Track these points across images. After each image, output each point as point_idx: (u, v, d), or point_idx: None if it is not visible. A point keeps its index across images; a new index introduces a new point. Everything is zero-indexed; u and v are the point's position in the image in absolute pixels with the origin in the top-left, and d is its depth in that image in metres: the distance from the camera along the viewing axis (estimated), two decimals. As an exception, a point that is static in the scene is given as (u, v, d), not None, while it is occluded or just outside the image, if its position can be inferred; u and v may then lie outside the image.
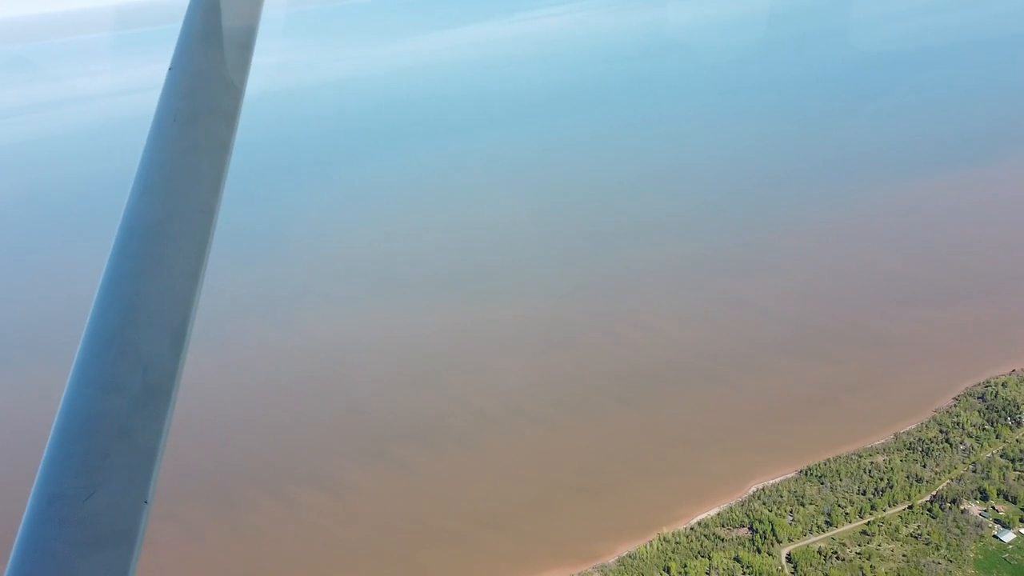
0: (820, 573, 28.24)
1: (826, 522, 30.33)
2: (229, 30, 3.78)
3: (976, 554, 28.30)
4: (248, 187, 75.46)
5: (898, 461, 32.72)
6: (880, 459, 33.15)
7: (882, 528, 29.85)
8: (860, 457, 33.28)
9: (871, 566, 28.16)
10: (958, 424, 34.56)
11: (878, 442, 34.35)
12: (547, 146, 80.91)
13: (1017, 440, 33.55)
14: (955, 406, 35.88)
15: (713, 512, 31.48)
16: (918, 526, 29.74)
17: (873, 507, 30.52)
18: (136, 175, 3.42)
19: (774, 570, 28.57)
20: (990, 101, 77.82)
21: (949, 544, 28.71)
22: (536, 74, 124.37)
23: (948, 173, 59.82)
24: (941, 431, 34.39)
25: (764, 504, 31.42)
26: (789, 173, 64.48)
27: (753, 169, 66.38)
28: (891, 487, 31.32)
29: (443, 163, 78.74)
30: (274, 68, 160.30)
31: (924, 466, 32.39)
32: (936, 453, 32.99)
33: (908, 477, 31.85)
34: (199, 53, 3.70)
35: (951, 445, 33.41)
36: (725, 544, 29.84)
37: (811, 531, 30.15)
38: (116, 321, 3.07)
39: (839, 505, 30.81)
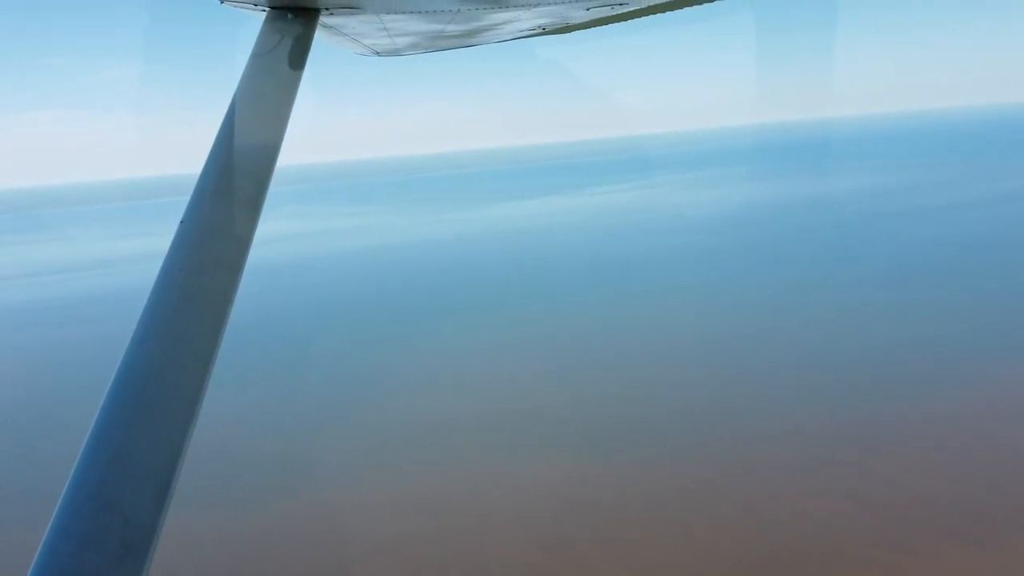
0: None
1: None
2: (241, 189, 3.95)
3: None
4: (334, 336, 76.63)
5: None
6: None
7: None
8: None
9: None
10: None
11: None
12: (633, 312, 79.88)
13: None
14: None
15: None
16: None
17: None
18: (137, 323, 3.44)
19: None
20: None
21: None
22: (612, 242, 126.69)
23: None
24: None
25: None
26: (906, 349, 61.28)
27: (863, 343, 63.40)
28: None
29: (525, 326, 77.85)
30: (360, 229, 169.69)
31: None
32: None
33: None
34: (210, 208, 3.85)
35: None
36: None
37: None
38: (99, 472, 3.00)
39: None
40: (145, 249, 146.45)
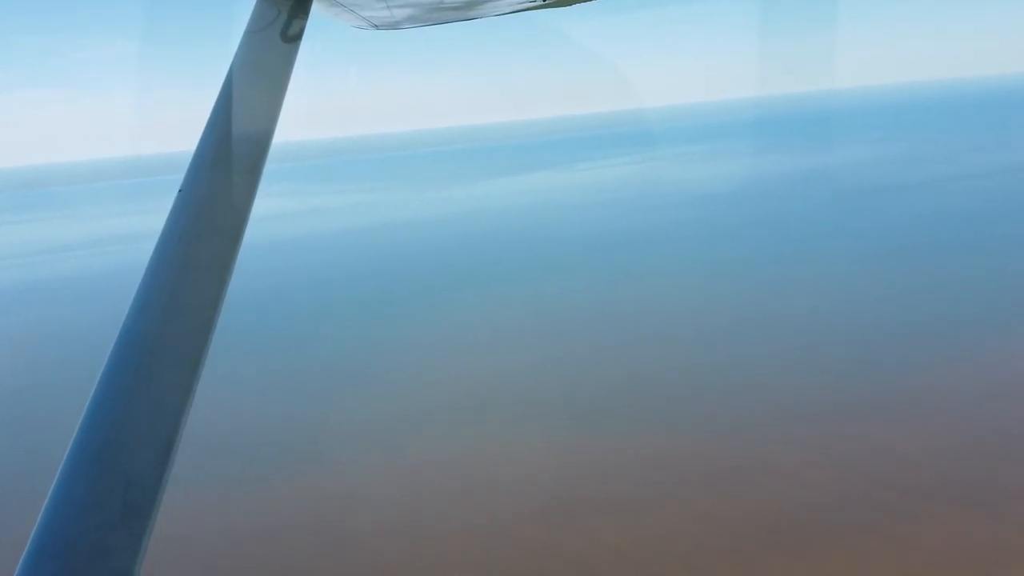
0: None
1: None
2: (239, 156, 3.95)
3: None
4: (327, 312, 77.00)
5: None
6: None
7: None
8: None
9: None
10: None
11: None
12: (629, 288, 79.92)
13: None
14: None
15: None
16: None
17: None
18: (137, 290, 3.47)
19: None
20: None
21: None
22: (609, 217, 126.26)
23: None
24: None
25: None
26: (910, 322, 61.27)
27: (866, 316, 63.25)
28: None
29: (523, 305, 77.77)
30: (354, 206, 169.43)
31: None
32: None
33: None
34: (208, 177, 3.85)
35: None
36: None
37: None
38: (101, 435, 3.03)
39: None
40: (144, 228, 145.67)
